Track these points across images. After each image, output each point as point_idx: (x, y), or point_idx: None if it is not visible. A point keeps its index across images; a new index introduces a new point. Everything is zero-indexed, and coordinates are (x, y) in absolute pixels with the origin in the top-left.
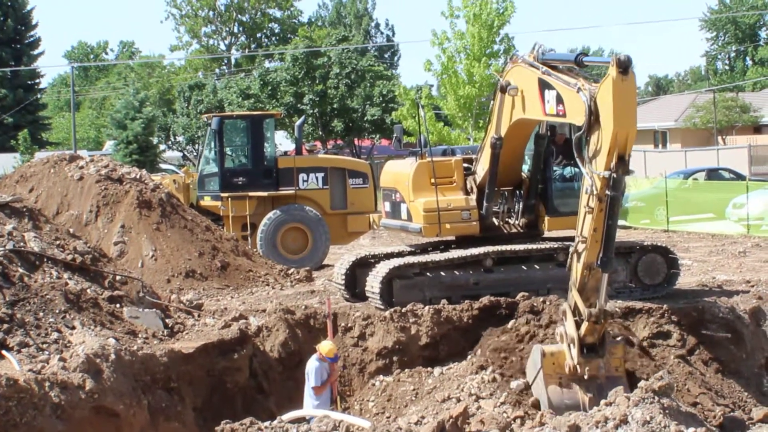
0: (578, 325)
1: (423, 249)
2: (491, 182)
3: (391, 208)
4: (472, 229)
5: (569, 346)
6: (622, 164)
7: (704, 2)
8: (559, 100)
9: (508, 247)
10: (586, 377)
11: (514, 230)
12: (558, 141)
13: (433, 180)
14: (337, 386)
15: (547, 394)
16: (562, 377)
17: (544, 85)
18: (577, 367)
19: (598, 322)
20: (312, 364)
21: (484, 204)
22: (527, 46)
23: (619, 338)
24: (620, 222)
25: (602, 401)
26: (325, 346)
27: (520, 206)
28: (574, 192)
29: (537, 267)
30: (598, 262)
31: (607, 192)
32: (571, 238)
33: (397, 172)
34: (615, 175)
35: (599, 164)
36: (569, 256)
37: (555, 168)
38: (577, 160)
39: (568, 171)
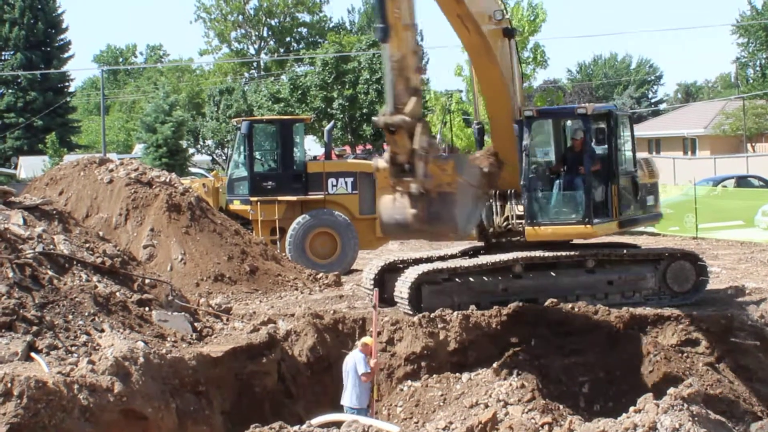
0: None
1: (452, 255)
2: None
3: None
4: (469, 236)
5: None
6: None
7: (736, 8)
8: None
9: (537, 254)
10: (411, 191)
11: (505, 237)
12: (576, 147)
13: None
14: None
15: (379, 208)
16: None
17: None
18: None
19: (390, 131)
20: (358, 355)
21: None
22: (556, 53)
23: (450, 155)
24: (649, 228)
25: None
26: (371, 339)
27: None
28: (560, 201)
29: (565, 274)
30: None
31: None
32: (602, 246)
33: None
34: None
35: None
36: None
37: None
38: None
39: (567, 179)
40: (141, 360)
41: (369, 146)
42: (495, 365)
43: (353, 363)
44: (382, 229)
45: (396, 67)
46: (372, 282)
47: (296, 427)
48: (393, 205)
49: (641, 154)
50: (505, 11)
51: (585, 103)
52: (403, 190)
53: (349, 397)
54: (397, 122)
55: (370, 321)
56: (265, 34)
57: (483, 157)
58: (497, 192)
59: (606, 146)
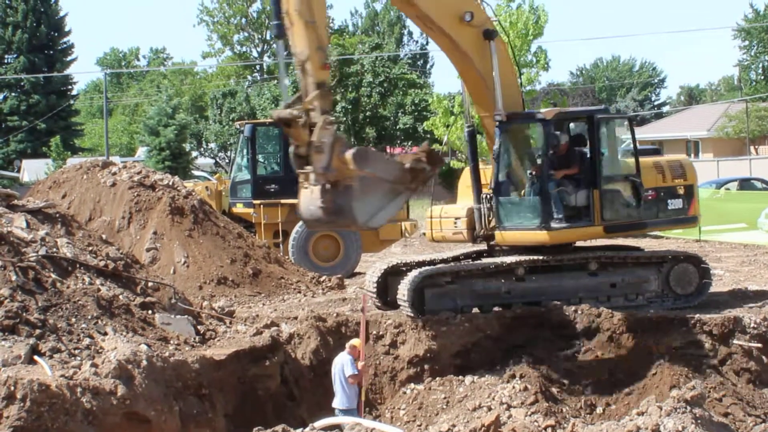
0: None
1: (455, 257)
2: (474, 180)
3: None
4: (461, 236)
5: None
6: None
7: (739, 11)
8: None
9: (540, 257)
10: (311, 183)
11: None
12: (561, 151)
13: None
14: (363, 381)
15: (299, 199)
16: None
17: None
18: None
19: (288, 125)
20: (345, 357)
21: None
22: (559, 56)
23: (351, 149)
24: (653, 231)
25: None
26: (359, 342)
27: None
28: (521, 206)
29: (568, 276)
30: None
31: None
32: (603, 248)
33: None
34: None
35: None
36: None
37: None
38: None
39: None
40: (144, 363)
41: (372, 149)
42: (498, 368)
43: (341, 365)
44: (302, 220)
45: (298, 63)
46: (375, 285)
47: (299, 430)
48: (310, 197)
49: (651, 156)
50: (476, 12)
51: (591, 106)
52: (304, 181)
53: (339, 399)
54: (285, 116)
55: (373, 324)
56: (268, 37)
57: (413, 153)
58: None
59: (604, 150)
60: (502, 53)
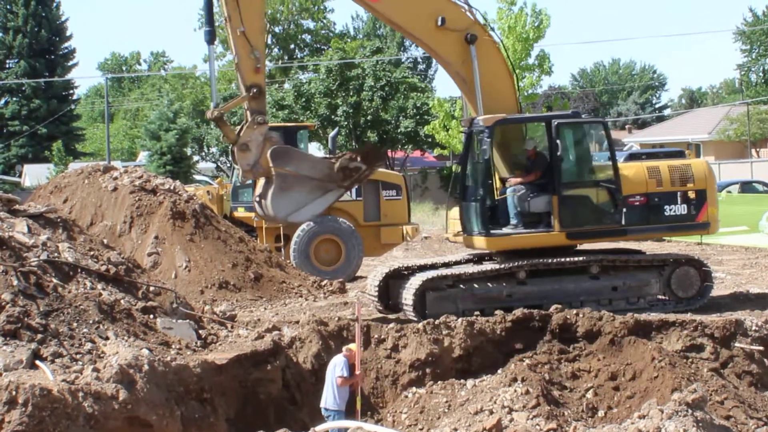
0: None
1: (456, 261)
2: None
3: None
4: (461, 238)
5: None
6: None
7: (739, 15)
8: None
9: (541, 260)
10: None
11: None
12: (530, 155)
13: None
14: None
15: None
16: None
17: None
18: None
19: (217, 124)
20: (339, 359)
21: None
22: (560, 59)
23: (272, 147)
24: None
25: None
26: (355, 346)
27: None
28: (470, 211)
29: (570, 279)
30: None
31: None
32: (604, 251)
33: None
34: None
35: None
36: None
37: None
38: None
39: (512, 190)
40: (146, 367)
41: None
42: (500, 371)
43: (333, 366)
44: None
45: (234, 66)
46: (376, 289)
47: None
48: (259, 188)
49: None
50: (451, 16)
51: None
52: (240, 177)
53: (324, 398)
54: (208, 117)
55: (375, 328)
56: (269, 41)
57: (348, 153)
58: None
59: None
60: (488, 57)
